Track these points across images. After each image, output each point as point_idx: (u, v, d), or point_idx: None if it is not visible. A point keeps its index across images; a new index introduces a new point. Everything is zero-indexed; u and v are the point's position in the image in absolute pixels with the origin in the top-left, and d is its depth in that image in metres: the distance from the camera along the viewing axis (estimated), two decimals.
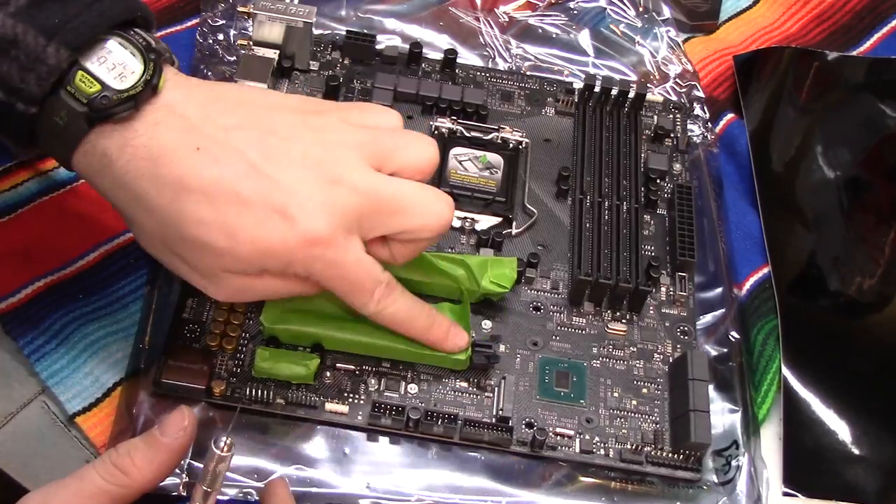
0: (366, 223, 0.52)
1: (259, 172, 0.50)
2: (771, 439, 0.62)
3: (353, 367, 0.59)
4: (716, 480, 0.59)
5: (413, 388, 0.59)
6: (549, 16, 0.81)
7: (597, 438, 0.59)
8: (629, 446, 0.58)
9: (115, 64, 0.50)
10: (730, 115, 0.77)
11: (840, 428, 0.62)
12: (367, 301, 0.54)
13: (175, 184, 0.49)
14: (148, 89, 0.50)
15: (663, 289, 0.65)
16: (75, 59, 0.49)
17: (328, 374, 0.59)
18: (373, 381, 0.59)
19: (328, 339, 0.58)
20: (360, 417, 0.58)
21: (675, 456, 0.58)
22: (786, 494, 0.60)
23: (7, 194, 0.64)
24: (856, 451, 0.62)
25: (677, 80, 0.77)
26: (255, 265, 0.51)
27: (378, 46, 0.74)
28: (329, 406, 0.58)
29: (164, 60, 0.52)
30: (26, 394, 0.58)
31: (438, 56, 0.75)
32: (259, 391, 0.57)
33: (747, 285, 0.68)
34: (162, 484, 0.54)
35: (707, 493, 0.58)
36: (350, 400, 0.58)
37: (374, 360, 0.59)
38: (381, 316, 0.55)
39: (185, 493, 0.54)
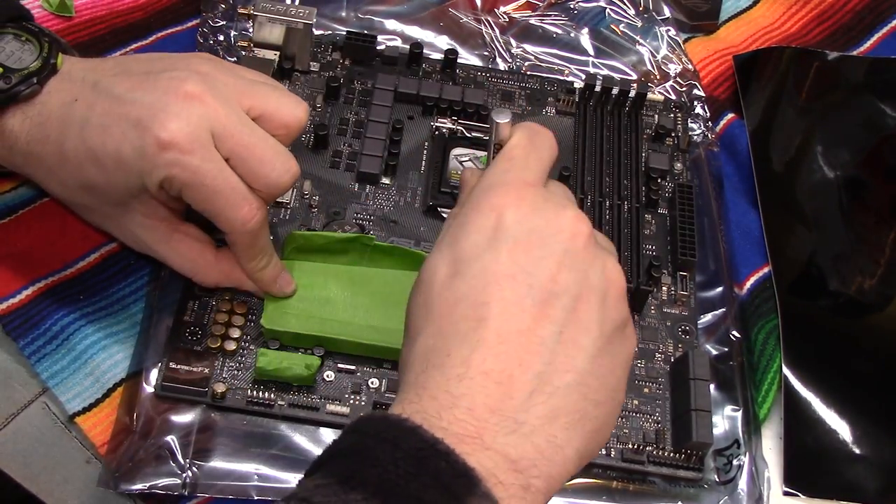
0: (221, 145, 0.53)
1: (122, 101, 0.53)
2: (772, 439, 0.62)
3: (353, 367, 0.59)
4: (717, 479, 0.59)
5: None
6: (549, 16, 0.81)
7: None
8: (631, 446, 0.58)
9: (11, 52, 0.55)
10: (730, 115, 0.77)
11: (841, 428, 0.62)
12: (237, 216, 0.54)
13: (59, 141, 0.54)
14: (48, 66, 0.55)
15: (664, 288, 0.65)
16: None
17: (329, 375, 0.58)
18: (373, 381, 0.59)
19: (329, 340, 0.58)
20: None
21: (677, 455, 0.58)
22: (786, 494, 0.60)
23: (8, 195, 0.64)
24: (856, 451, 0.62)
25: (677, 79, 0.77)
26: (122, 183, 0.54)
27: (378, 47, 0.74)
28: (330, 407, 0.57)
29: (61, 49, 0.56)
30: (27, 394, 0.58)
31: (439, 56, 0.75)
32: (260, 393, 0.57)
33: (748, 285, 0.68)
34: (161, 484, 0.54)
35: (708, 492, 0.58)
36: (351, 401, 0.58)
37: (375, 361, 0.59)
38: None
39: (185, 493, 0.54)
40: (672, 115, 0.75)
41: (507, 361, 0.42)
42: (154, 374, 0.58)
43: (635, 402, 0.60)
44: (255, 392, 0.57)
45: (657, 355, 0.62)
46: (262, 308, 0.59)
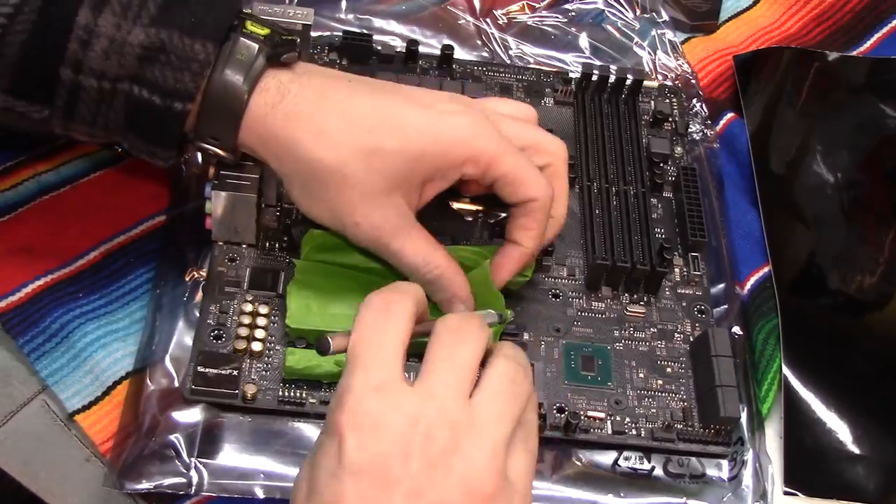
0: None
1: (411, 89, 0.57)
2: (772, 438, 0.62)
3: None
4: (720, 476, 0.59)
5: None
6: (548, 17, 0.81)
7: (627, 419, 0.59)
8: (660, 424, 0.59)
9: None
10: (730, 115, 0.77)
11: (840, 427, 0.62)
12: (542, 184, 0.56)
13: (343, 104, 0.53)
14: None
15: (676, 270, 0.66)
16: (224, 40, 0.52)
17: None
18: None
19: None
20: None
21: (706, 431, 0.58)
22: (786, 493, 0.60)
23: (7, 193, 0.64)
24: (856, 451, 0.62)
25: (676, 82, 0.77)
26: (417, 151, 0.53)
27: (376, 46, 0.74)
28: None
29: None
30: (26, 392, 0.58)
31: (435, 52, 0.75)
32: (291, 392, 0.56)
33: (748, 284, 0.68)
34: (167, 483, 0.54)
35: (712, 488, 0.58)
36: None
37: None
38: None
39: (191, 492, 0.54)
40: (668, 101, 0.75)
41: None
42: (158, 373, 0.57)
43: (659, 381, 0.61)
44: (285, 392, 0.56)
45: (676, 335, 0.63)
46: (286, 308, 0.58)
